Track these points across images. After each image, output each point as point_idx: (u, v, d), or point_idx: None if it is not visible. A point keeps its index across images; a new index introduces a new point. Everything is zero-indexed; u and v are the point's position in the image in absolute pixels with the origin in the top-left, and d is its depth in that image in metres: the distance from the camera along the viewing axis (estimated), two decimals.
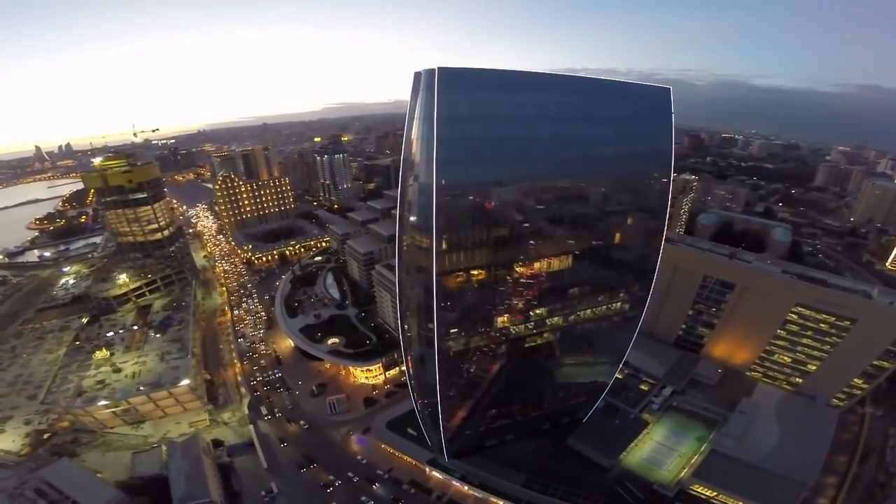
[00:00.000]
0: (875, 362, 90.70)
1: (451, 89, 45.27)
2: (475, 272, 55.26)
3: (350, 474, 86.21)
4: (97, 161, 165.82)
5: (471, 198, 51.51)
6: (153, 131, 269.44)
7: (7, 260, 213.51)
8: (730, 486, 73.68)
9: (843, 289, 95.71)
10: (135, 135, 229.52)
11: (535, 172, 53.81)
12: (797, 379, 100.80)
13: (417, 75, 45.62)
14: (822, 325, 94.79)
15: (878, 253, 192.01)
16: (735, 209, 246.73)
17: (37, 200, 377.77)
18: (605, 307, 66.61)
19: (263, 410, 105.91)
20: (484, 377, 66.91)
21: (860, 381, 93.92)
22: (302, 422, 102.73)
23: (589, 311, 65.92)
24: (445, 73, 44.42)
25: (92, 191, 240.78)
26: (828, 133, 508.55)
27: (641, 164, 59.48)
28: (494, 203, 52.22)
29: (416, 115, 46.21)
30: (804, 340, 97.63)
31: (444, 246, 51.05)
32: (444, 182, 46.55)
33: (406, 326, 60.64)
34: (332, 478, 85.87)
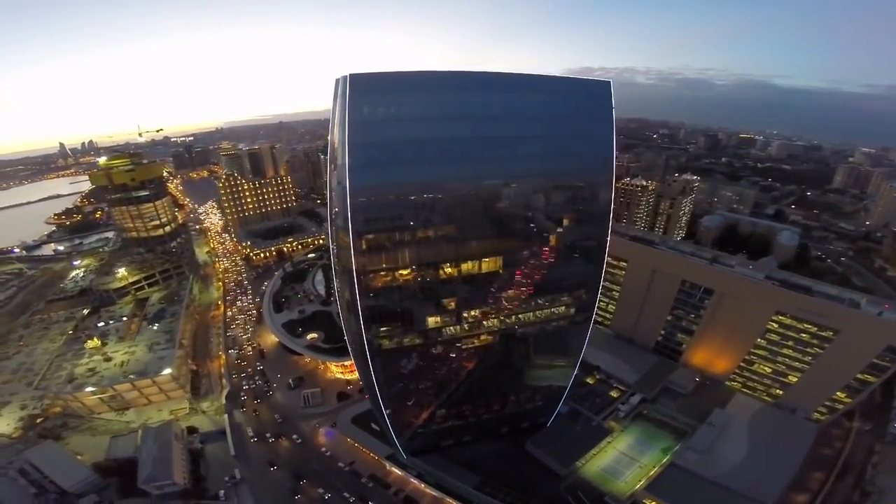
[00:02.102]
0: (859, 376, 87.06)
1: (363, 95, 45.94)
2: (399, 272, 55.89)
3: (346, 494, 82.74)
4: (102, 160, 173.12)
5: (389, 200, 51.93)
6: (157, 131, 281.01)
7: (25, 253, 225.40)
8: (681, 503, 71.55)
9: (829, 297, 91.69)
10: (140, 135, 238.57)
11: (458, 173, 53.51)
12: (777, 391, 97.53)
13: (336, 82, 46.42)
14: (804, 335, 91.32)
15: (892, 258, 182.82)
16: (742, 211, 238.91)
17: (58, 196, 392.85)
18: (547, 311, 65.82)
19: (250, 432, 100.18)
20: (425, 377, 67.36)
21: (842, 395, 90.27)
22: (295, 436, 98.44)
23: (530, 314, 65.43)
24: (356, 79, 45.23)
25: None
26: (854, 134, 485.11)
27: (578, 163, 58.01)
28: (415, 204, 52.60)
29: (335, 120, 47.19)
30: (785, 350, 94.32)
31: (363, 246, 51.94)
32: (357, 185, 47.37)
33: (344, 323, 61.88)
34: (321, 490, 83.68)
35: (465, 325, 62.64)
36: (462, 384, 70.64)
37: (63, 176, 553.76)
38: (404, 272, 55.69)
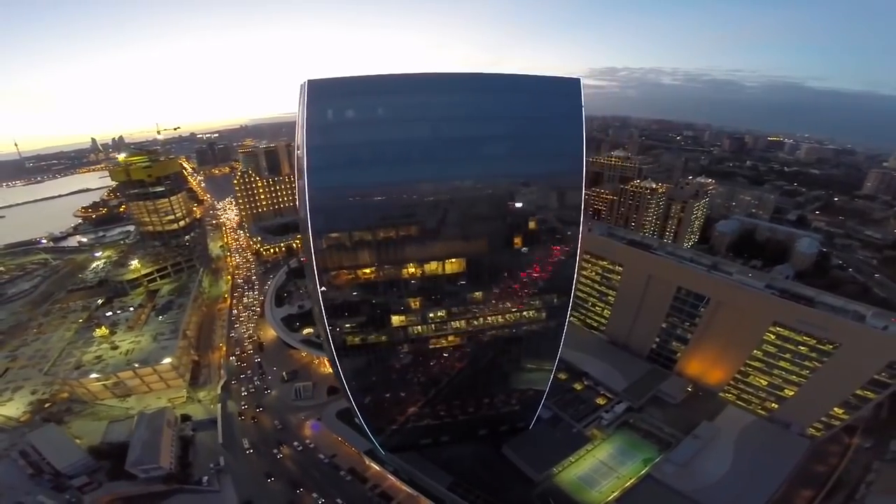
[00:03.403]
0: (858, 392, 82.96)
1: (320, 100, 47.03)
2: (360, 271, 56.68)
3: (339, 501, 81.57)
4: (121, 157, 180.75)
5: (348, 201, 52.62)
6: (175, 129, 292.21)
7: (52, 244, 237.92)
8: None
9: (833, 308, 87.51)
10: (158, 132, 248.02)
11: (418, 174, 53.60)
12: (772, 404, 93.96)
13: (300, 87, 47.51)
14: (802, 348, 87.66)
15: None
16: (762, 216, 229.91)
17: (87, 190, 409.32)
18: (515, 314, 65.33)
19: (245, 444, 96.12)
20: (394, 375, 68.30)
21: (840, 412, 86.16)
22: (296, 443, 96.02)
23: (498, 317, 65.11)
24: (313, 84, 46.39)
25: None
26: (890, 139, 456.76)
27: (545, 164, 56.63)
28: (374, 205, 53.28)
29: (298, 123, 48.42)
30: (781, 363, 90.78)
31: (323, 245, 53.02)
32: (316, 186, 48.57)
33: (315, 319, 63.42)
34: (314, 495, 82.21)
35: (431, 326, 63.00)
36: (433, 385, 71.05)
37: (94, 170, 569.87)
38: (366, 271, 56.57)
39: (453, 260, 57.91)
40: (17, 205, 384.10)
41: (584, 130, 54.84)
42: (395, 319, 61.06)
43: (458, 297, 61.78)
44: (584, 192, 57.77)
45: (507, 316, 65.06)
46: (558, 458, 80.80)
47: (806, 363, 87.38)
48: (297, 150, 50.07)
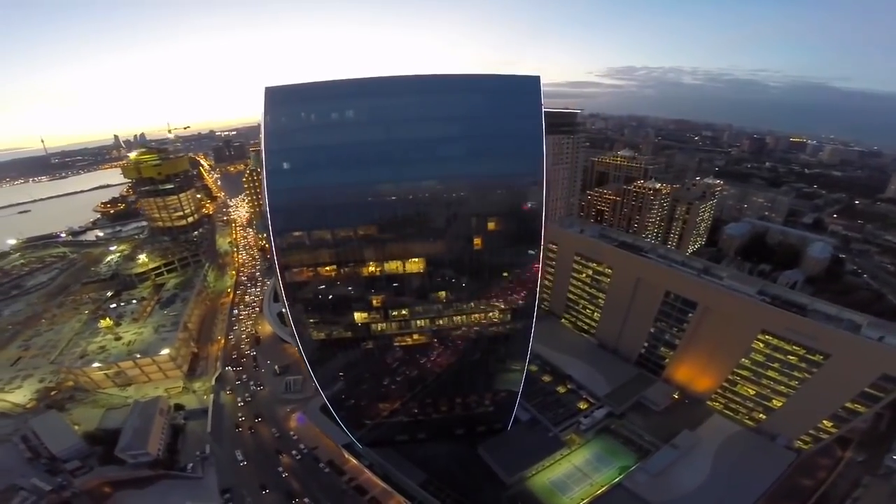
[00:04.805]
0: (848, 405, 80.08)
1: (278, 105, 48.56)
2: (321, 270, 57.97)
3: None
4: (132, 155, 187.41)
5: (306, 202, 53.88)
6: (185, 128, 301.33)
7: (70, 238, 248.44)
8: None
9: (827, 317, 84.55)
10: (169, 131, 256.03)
11: (374, 176, 54.12)
12: (760, 415, 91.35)
13: (263, 92, 49.15)
14: (791, 358, 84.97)
15: None
16: (775, 219, 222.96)
17: (107, 185, 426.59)
18: (479, 315, 65.48)
19: (239, 455, 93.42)
20: (360, 371, 69.77)
21: (829, 424, 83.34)
22: (294, 451, 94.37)
23: (462, 317, 65.38)
24: (271, 90, 48.02)
25: None
26: None
27: (503, 163, 55.96)
28: (332, 206, 54.41)
29: (261, 128, 50.14)
30: (770, 373, 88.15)
31: (283, 244, 54.79)
32: (274, 188, 50.44)
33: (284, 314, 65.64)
34: (307, 500, 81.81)
35: (394, 325, 64.03)
36: (401, 383, 72.19)
37: (116, 167, 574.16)
38: (326, 269, 57.87)
39: (414, 260, 58.58)
40: (42, 199, 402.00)
41: (544, 128, 54.13)
42: (357, 317, 62.29)
43: (419, 297, 62.48)
44: (545, 191, 56.87)
45: (470, 316, 65.31)
46: (532, 461, 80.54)
47: (795, 373, 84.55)
48: (260, 152, 51.69)
